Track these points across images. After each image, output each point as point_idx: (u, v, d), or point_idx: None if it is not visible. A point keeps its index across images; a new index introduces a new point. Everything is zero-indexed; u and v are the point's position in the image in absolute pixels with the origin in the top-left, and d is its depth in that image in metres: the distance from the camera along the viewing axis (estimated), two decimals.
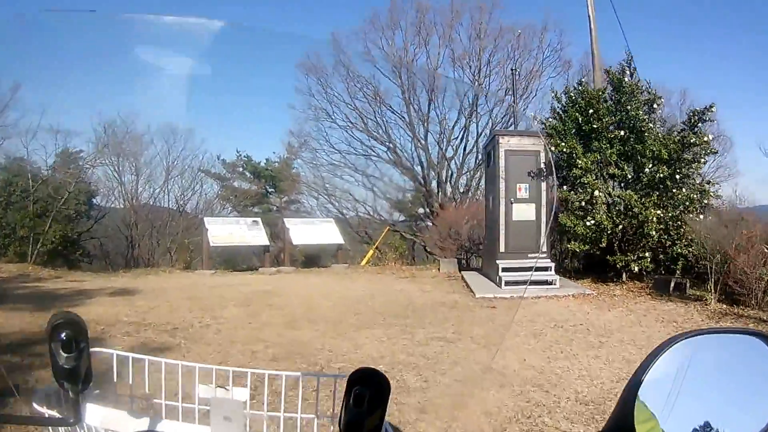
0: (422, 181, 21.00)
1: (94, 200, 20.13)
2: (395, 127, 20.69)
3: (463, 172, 20.95)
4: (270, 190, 25.07)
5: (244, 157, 24.94)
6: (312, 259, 16.25)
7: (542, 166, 10.21)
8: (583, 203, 10.05)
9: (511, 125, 19.52)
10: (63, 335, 0.85)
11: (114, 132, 20.16)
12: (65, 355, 0.85)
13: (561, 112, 10.77)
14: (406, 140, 20.87)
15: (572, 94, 10.54)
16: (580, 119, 10.25)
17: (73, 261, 16.56)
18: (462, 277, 11.17)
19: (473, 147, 20.36)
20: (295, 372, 1.26)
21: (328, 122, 20.59)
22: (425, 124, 20.25)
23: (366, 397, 0.77)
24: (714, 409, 0.67)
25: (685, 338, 0.69)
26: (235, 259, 19.73)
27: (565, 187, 10.50)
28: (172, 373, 1.23)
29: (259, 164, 25.03)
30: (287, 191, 24.15)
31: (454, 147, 20.61)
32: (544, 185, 10.23)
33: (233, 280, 11.28)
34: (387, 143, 20.78)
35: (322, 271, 13.29)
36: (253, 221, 14.20)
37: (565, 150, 9.99)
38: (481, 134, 20.06)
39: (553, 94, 11.02)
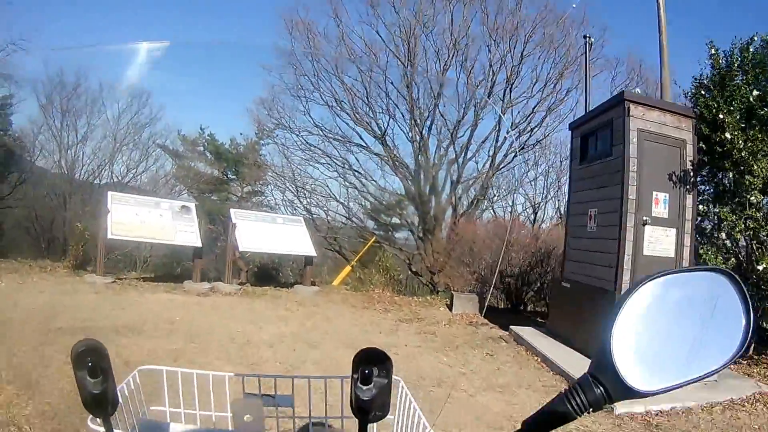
0: (417, 184, 16.38)
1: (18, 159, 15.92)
2: (390, 115, 16.03)
3: (462, 180, 16.46)
4: (231, 176, 20.27)
5: (208, 134, 20.51)
6: (267, 272, 11.37)
7: (689, 166, 5.86)
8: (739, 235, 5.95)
9: (532, 130, 15.34)
10: (88, 362, 0.83)
11: (62, 83, 16.46)
12: (92, 381, 0.83)
13: (713, 83, 6.41)
14: (400, 131, 16.44)
15: (745, 54, 6.21)
16: (751, 97, 5.98)
17: None
18: (519, 338, 6.67)
19: (477, 151, 15.91)
20: (337, 375, 1.26)
21: (308, 94, 15.80)
22: (431, 112, 15.72)
23: (372, 374, 0.80)
24: (682, 345, 0.69)
25: (653, 279, 0.71)
26: (169, 255, 14.89)
27: (700, 205, 6.28)
28: (219, 385, 1.28)
29: (222, 144, 20.55)
30: (249, 179, 19.19)
31: (460, 146, 16.04)
32: (689, 199, 5.86)
33: (125, 311, 6.31)
34: (377, 132, 16.12)
35: (282, 296, 8.46)
36: (183, 207, 9.11)
37: (739, 142, 5.70)
38: (487, 137, 15.70)
39: (711, 49, 6.49)
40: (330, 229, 17.29)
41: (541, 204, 17.14)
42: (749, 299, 0.69)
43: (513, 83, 15.13)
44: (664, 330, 0.70)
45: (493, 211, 17.34)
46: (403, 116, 15.96)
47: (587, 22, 14.51)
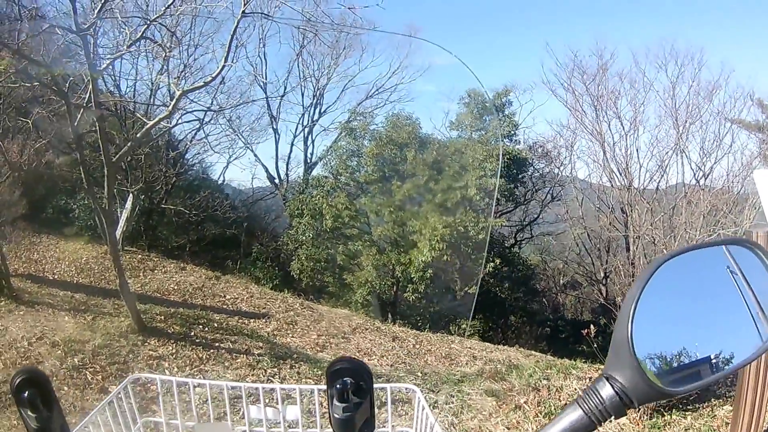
0: None
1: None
2: None
3: None
4: None
5: None
6: None
7: None
8: None
9: None
10: (27, 395, 0.76)
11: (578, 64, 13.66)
12: (33, 415, 0.76)
13: None
14: None
15: None
16: None
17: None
18: None
19: None
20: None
21: None
22: None
23: (347, 388, 0.70)
24: (708, 332, 0.60)
25: (673, 257, 0.61)
26: None
27: None
28: (217, 394, 1.21)
29: None
30: None
31: None
32: None
33: None
34: None
35: None
36: None
37: None
38: None
39: None
40: None
41: None
42: None
43: None
44: (685, 316, 0.61)
45: None
46: None
47: None
